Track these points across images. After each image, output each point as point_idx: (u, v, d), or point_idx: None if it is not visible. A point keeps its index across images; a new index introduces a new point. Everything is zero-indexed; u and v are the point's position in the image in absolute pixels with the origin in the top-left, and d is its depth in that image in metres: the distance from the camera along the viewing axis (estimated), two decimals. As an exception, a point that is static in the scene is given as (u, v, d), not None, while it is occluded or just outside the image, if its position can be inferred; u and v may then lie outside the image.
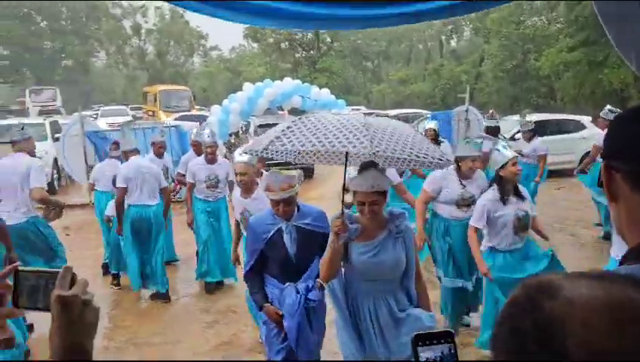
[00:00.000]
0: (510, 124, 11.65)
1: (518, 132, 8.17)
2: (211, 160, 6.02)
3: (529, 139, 7.93)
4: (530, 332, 0.62)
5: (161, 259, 5.84)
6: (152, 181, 5.77)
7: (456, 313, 4.69)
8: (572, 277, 0.65)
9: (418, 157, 2.44)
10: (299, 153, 3.04)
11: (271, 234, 3.20)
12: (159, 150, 6.92)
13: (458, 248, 4.51)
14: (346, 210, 2.70)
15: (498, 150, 4.06)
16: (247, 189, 4.37)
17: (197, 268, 6.05)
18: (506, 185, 3.91)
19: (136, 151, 6.05)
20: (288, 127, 2.44)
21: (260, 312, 3.39)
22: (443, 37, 41.59)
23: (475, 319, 4.75)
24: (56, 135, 12.48)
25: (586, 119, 12.92)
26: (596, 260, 6.93)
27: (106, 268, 6.51)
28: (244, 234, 4.32)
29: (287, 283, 3.23)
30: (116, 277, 6.27)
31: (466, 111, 9.44)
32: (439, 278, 4.74)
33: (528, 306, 0.64)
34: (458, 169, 4.47)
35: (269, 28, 31.32)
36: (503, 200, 3.89)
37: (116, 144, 6.85)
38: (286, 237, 3.20)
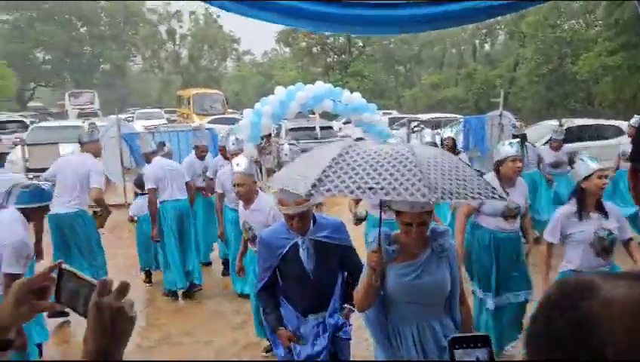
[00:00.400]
0: (545, 129, 11.40)
1: (550, 139, 8.00)
2: None
3: (556, 148, 7.70)
4: (567, 331, 0.61)
5: (197, 253, 6.17)
6: (179, 177, 6.02)
7: (491, 334, 4.28)
8: (611, 276, 0.64)
9: (473, 197, 2.18)
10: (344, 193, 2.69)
11: (286, 249, 2.96)
12: (202, 153, 6.97)
13: (504, 263, 4.20)
14: (384, 230, 2.45)
15: (582, 160, 3.68)
16: (247, 200, 4.14)
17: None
18: (588, 199, 3.55)
19: (155, 153, 6.25)
20: (329, 167, 2.14)
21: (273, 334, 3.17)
22: (477, 41, 41.03)
23: (512, 349, 4.42)
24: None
25: (624, 125, 12.53)
26: None
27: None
28: (249, 246, 4.22)
29: (308, 316, 2.99)
30: (148, 274, 6.44)
31: (500, 115, 9.29)
32: (474, 292, 4.41)
33: (565, 305, 0.63)
34: (498, 176, 4.21)
35: (304, 30, 31.48)
36: (580, 215, 3.54)
37: (162, 143, 7.12)
38: (302, 253, 2.96)
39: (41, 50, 46.23)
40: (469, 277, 4.45)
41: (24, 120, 19.86)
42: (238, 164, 4.08)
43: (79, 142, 5.66)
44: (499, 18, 36.21)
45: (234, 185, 4.17)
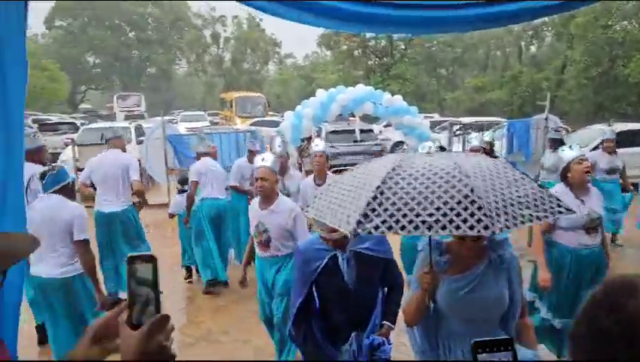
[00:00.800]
0: (595, 133, 11.02)
1: (601, 142, 7.70)
2: (281, 171, 5.57)
3: (610, 152, 7.28)
4: (613, 331, 0.60)
5: (227, 251, 6.44)
6: (220, 178, 6.33)
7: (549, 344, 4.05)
8: None
9: (539, 217, 1.90)
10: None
11: (325, 261, 2.79)
12: (252, 157, 7.06)
13: (584, 284, 3.81)
14: (435, 239, 2.24)
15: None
16: (267, 197, 3.85)
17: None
18: (574, 186, 3.76)
19: (206, 154, 6.53)
20: (374, 198, 1.86)
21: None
22: (522, 43, 40.04)
23: None
24: (140, 138, 13.23)
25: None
26: None
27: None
28: (258, 252, 3.96)
29: (341, 347, 2.88)
30: (189, 271, 6.64)
31: (546, 119, 9.01)
32: (533, 305, 4.07)
33: (610, 305, 0.62)
34: (568, 185, 3.82)
35: (346, 32, 31.43)
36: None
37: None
38: (342, 264, 2.79)
39: (92, 54, 48.09)
40: (528, 290, 4.10)
41: (75, 121, 20.65)
42: (263, 159, 3.91)
43: (105, 141, 6.01)
44: (546, 19, 35.25)
45: (256, 179, 3.85)
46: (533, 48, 41.42)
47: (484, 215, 1.74)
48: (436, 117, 25.54)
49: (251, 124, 19.00)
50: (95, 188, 5.78)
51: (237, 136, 10.55)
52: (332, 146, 12.82)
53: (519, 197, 1.89)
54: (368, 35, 33.26)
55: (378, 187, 1.87)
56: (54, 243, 3.74)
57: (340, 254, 2.81)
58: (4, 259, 1.18)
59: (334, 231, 2.64)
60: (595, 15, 26.91)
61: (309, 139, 11.13)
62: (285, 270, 3.88)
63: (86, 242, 3.83)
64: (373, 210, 1.81)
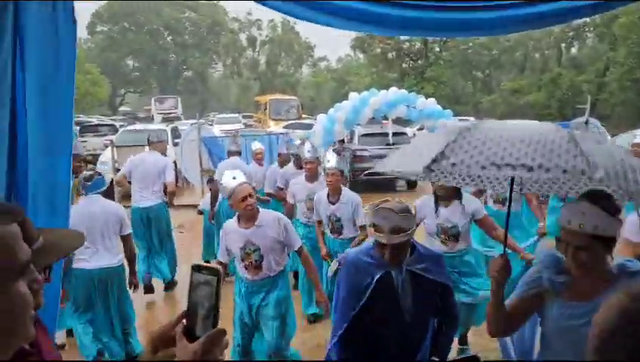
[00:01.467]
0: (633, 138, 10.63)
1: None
2: (311, 177, 5.49)
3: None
4: None
5: None
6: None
7: None
8: None
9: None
10: (470, 177, 2.25)
11: (376, 278, 2.39)
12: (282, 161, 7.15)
13: None
14: (551, 253, 1.98)
15: None
16: (253, 216, 3.63)
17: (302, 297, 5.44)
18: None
19: (236, 153, 7.16)
20: (454, 141, 1.74)
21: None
22: (563, 44, 39.06)
23: None
24: (176, 140, 13.50)
25: None
26: None
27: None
28: (244, 277, 3.67)
29: None
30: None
31: (586, 123, 8.73)
32: None
33: None
34: None
35: (379, 35, 31.31)
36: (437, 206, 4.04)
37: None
38: (398, 286, 2.42)
39: (131, 58, 49.40)
40: None
41: (114, 123, 21.20)
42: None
43: (149, 142, 6.57)
44: (587, 20, 34.28)
45: (243, 198, 3.57)
46: (573, 50, 40.36)
47: (582, 161, 1.55)
48: (472, 120, 25.13)
49: (284, 127, 19.13)
50: (130, 183, 6.39)
51: (269, 138, 10.64)
52: (364, 149, 12.78)
53: (630, 165, 1.66)
54: (403, 37, 33.04)
55: (460, 133, 1.76)
56: (109, 236, 4.30)
57: (395, 272, 2.41)
58: (53, 253, 1.23)
59: (397, 232, 2.27)
60: (639, 15, 26.01)
61: (342, 142, 11.13)
62: (276, 290, 3.70)
63: (130, 235, 4.52)
64: (452, 150, 1.68)
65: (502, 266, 1.97)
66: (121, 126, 19.97)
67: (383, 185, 12.12)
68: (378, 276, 2.39)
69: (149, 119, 29.98)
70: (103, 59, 42.54)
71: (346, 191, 4.96)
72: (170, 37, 51.06)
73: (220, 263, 3.72)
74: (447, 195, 3.97)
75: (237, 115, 32.69)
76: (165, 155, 6.65)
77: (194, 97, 49.76)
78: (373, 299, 2.39)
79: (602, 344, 0.73)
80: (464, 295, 3.90)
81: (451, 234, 4.01)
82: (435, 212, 4.01)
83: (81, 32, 46.35)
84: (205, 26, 51.04)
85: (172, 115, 29.18)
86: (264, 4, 2.21)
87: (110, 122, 21.86)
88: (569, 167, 1.56)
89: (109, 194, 4.43)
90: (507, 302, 2.03)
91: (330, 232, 4.95)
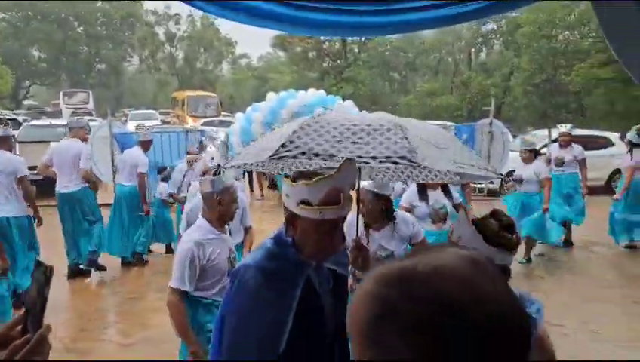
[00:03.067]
0: (538, 139, 11.49)
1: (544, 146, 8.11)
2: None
3: (526, 161, 7.15)
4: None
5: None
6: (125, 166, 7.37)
7: None
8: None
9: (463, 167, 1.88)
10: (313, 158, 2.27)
11: (300, 288, 1.71)
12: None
13: None
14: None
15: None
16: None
17: None
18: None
19: (143, 144, 7.46)
20: (301, 128, 1.83)
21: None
22: (472, 49, 41.26)
23: None
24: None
25: (614, 136, 12.69)
26: (616, 277, 6.79)
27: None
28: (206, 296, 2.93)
29: None
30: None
31: (490, 124, 9.34)
32: None
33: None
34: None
35: (297, 35, 31.50)
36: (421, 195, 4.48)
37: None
38: (318, 287, 1.77)
39: (37, 48, 46.17)
40: None
41: (17, 118, 19.80)
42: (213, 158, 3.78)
43: (69, 128, 6.83)
44: (495, 28, 36.47)
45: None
46: (482, 55, 42.76)
47: (407, 144, 1.75)
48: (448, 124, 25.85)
49: (203, 124, 18.77)
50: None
51: (186, 135, 10.40)
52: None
53: (449, 149, 1.93)
54: (323, 37, 33.42)
55: (305, 121, 1.91)
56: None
57: (314, 274, 1.77)
58: None
59: (336, 203, 1.66)
60: (539, 25, 28.07)
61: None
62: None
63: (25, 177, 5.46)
64: (292, 141, 1.81)
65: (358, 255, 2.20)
66: (25, 120, 18.68)
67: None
68: (302, 285, 1.72)
69: (57, 114, 28.23)
70: (4, 49, 39.42)
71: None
72: (81, 27, 48.25)
73: (181, 291, 2.84)
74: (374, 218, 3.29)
75: (153, 111, 31.60)
76: (86, 141, 6.80)
77: (107, 92, 47.43)
78: (300, 316, 1.69)
79: (361, 338, 0.68)
80: None
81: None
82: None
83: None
84: (119, 18, 48.76)
85: (82, 109, 27.64)
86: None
87: (12, 116, 20.37)
88: (394, 154, 1.74)
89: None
90: None
91: None
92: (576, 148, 8.06)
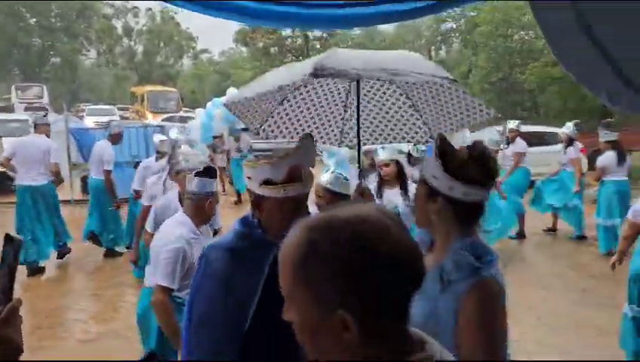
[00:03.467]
0: (488, 134, 11.85)
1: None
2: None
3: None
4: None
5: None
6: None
7: None
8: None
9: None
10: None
11: (268, 267, 1.69)
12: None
13: None
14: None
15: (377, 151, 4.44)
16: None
17: None
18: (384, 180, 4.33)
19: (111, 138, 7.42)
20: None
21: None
22: (432, 47, 41.98)
23: None
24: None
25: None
26: (561, 265, 7.12)
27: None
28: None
29: None
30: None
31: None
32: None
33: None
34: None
35: (244, 24, 31.32)
36: (379, 191, 4.34)
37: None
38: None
39: (-14, 40, 44.30)
40: None
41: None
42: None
43: (34, 125, 7.09)
44: (454, 26, 37.18)
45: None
46: (442, 53, 43.56)
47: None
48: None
49: (163, 120, 18.49)
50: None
51: (145, 131, 10.28)
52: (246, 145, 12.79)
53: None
54: (285, 33, 33.38)
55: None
56: None
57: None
58: None
59: (298, 180, 1.72)
60: (495, 25, 28.81)
61: (220, 136, 11.06)
62: None
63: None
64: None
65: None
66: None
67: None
68: (269, 262, 1.68)
69: (9, 108, 27.21)
70: (-49, 40, 37.70)
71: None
72: (34, 19, 46.51)
73: (169, 289, 2.78)
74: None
75: (111, 106, 30.83)
76: (49, 137, 7.06)
77: (62, 86, 45.92)
78: (266, 301, 1.67)
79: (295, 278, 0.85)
80: None
81: None
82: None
83: None
84: (74, 10, 47.22)
85: (36, 104, 26.72)
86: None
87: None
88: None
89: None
90: None
91: None
92: (519, 144, 8.42)
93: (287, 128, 3.18)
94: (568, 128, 8.47)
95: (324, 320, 0.81)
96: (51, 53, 48.00)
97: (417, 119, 3.17)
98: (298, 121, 3.19)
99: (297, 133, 3.12)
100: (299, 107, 3.18)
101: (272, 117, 3.13)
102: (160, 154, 6.44)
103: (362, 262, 0.79)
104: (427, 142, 3.23)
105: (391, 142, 3.28)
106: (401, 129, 3.21)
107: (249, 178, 1.76)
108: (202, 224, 3.04)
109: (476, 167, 1.58)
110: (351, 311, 0.79)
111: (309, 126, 3.24)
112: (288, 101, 3.11)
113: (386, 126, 3.24)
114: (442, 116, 3.05)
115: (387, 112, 3.21)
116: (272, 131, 3.16)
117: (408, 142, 3.29)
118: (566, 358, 4.35)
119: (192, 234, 2.89)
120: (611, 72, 1.64)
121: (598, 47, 1.62)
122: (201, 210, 2.94)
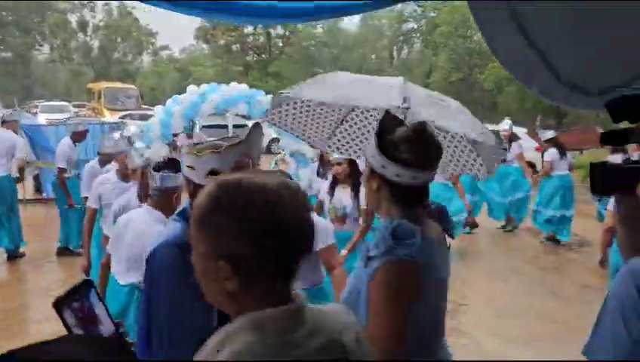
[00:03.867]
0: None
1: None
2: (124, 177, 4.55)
3: None
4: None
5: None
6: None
7: None
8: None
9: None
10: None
11: None
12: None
13: None
14: None
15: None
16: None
17: None
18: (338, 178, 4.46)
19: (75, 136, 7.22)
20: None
21: None
22: (395, 47, 42.49)
23: None
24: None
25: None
26: (520, 259, 7.36)
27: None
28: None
29: None
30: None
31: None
32: None
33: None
34: None
35: (200, 18, 30.98)
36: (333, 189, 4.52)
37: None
38: None
39: None
40: None
41: None
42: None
43: (2, 121, 7.15)
44: (415, 27, 37.74)
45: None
46: (404, 53, 44.14)
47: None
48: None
49: (121, 117, 18.08)
50: None
51: (102, 128, 10.05)
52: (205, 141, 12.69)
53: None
54: (247, 30, 33.15)
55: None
56: None
57: None
58: None
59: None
60: (455, 25, 29.41)
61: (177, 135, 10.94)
62: None
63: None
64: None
65: None
66: None
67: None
68: None
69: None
70: None
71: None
72: (-17, 12, 44.65)
73: None
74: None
75: (66, 103, 29.90)
76: (17, 133, 7.26)
77: (14, 81, 44.18)
78: None
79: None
80: None
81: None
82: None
83: None
84: (26, 3, 45.52)
85: (-14, 100, 25.69)
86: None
87: None
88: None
89: None
90: None
91: None
92: None
93: (357, 145, 3.32)
94: (507, 125, 8.76)
95: (209, 267, 0.95)
96: (1, 47, 46.18)
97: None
98: (360, 140, 3.33)
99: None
100: (364, 126, 3.30)
101: (341, 132, 3.30)
102: (104, 157, 5.62)
103: (250, 226, 0.91)
104: None
105: None
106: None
107: (191, 168, 1.70)
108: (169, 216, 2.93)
109: (411, 148, 1.51)
110: (232, 264, 0.92)
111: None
112: (352, 119, 3.29)
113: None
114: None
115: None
116: (343, 145, 3.33)
117: None
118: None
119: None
120: (545, 68, 1.72)
121: (533, 46, 1.70)
122: (168, 204, 2.86)
